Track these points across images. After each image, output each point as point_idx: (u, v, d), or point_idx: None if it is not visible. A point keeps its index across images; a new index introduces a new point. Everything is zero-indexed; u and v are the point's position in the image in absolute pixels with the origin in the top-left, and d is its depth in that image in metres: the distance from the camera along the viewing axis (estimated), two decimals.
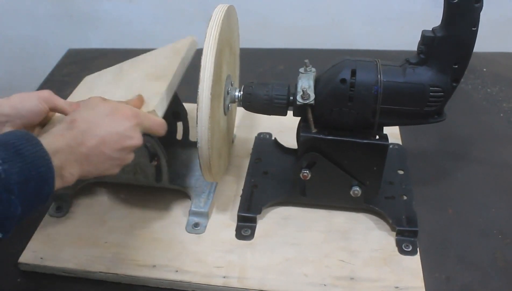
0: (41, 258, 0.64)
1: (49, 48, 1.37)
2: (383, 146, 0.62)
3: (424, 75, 0.59)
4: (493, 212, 0.71)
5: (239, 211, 0.69)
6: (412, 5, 1.21)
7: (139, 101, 0.62)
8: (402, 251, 0.64)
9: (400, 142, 0.82)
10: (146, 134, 0.58)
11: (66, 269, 0.63)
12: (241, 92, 0.65)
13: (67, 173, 0.50)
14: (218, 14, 0.59)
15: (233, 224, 0.69)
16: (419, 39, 0.60)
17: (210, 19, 0.59)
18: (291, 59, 1.09)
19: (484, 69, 1.05)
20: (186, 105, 0.78)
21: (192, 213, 0.69)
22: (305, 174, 0.65)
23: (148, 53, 0.79)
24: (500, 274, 0.62)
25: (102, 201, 0.73)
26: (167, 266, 0.63)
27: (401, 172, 0.75)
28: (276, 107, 0.64)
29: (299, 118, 0.65)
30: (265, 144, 0.81)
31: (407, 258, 0.63)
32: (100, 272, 0.63)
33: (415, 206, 0.69)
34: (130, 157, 0.57)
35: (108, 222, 0.70)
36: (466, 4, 0.55)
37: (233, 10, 0.67)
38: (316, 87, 0.61)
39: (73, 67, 1.13)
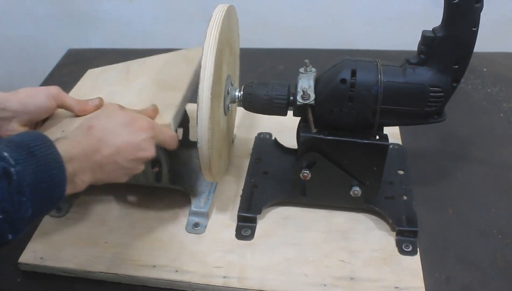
0: (41, 258, 0.64)
1: (49, 48, 1.37)
2: (383, 146, 0.62)
3: (424, 75, 0.59)
4: (493, 212, 0.71)
5: (239, 211, 0.69)
6: (412, 5, 1.21)
7: (154, 112, 0.62)
8: (402, 251, 0.64)
9: (400, 142, 0.82)
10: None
11: (66, 269, 0.63)
12: (241, 92, 0.65)
13: (79, 180, 0.50)
14: (218, 14, 0.59)
15: (233, 224, 0.69)
16: (419, 39, 0.60)
17: (210, 19, 0.59)
18: (291, 59, 1.09)
19: (484, 69, 1.05)
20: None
21: (192, 213, 0.69)
22: (305, 174, 0.65)
23: (156, 57, 0.79)
24: (500, 274, 0.62)
25: (102, 201, 0.73)
26: (167, 266, 0.63)
27: (401, 172, 0.75)
28: (276, 108, 0.64)
29: (299, 118, 0.65)
30: (265, 144, 0.81)
31: (407, 258, 0.63)
32: (100, 272, 0.63)
33: (415, 206, 0.69)
34: (141, 168, 0.58)
35: (108, 222, 0.70)
36: (467, 4, 0.55)
37: (233, 10, 0.67)
38: (316, 87, 0.61)
39: (73, 67, 1.13)
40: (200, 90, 0.56)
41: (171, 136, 0.60)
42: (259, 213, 0.69)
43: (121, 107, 0.58)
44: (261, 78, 1.05)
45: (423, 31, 0.59)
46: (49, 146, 0.45)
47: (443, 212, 0.71)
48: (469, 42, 0.57)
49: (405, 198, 0.70)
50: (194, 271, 0.62)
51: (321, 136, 0.62)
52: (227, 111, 0.67)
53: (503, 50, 1.11)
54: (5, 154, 0.41)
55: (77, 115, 0.66)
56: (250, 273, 0.62)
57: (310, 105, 0.61)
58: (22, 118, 0.61)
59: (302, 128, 0.63)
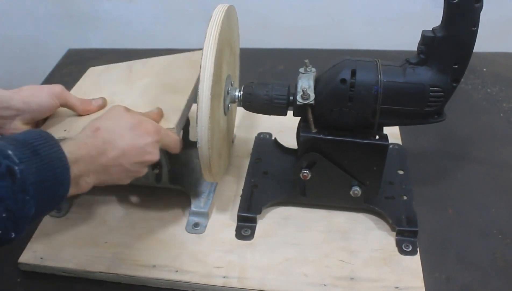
0: (41, 258, 0.64)
1: (49, 48, 1.37)
2: (383, 146, 0.62)
3: (424, 75, 0.59)
4: (493, 212, 0.71)
5: (239, 211, 0.69)
6: (412, 5, 1.21)
7: (159, 115, 0.62)
8: (402, 251, 0.64)
9: (400, 142, 0.82)
10: None
11: (66, 269, 0.63)
12: (241, 92, 0.65)
13: (83, 181, 0.50)
14: (218, 14, 0.59)
15: (233, 224, 0.69)
16: (419, 39, 0.60)
17: (210, 19, 0.59)
18: (291, 59, 1.09)
19: (484, 69, 1.05)
20: None
21: (192, 213, 0.69)
22: (305, 174, 0.65)
23: (159, 58, 0.79)
24: (500, 274, 0.62)
25: (102, 201, 0.73)
26: (167, 266, 0.63)
27: (401, 172, 0.75)
28: (276, 107, 0.64)
29: (299, 118, 0.65)
30: (265, 145, 0.81)
31: (407, 258, 0.63)
32: (100, 272, 0.63)
33: (415, 206, 0.69)
34: (145, 171, 0.58)
35: (108, 222, 0.70)
36: (466, 4, 0.55)
37: (233, 10, 0.67)
38: (316, 87, 0.61)
39: (73, 67, 1.13)
40: (200, 90, 0.56)
41: (175, 141, 0.61)
42: (259, 213, 0.69)
43: (127, 109, 0.58)
44: (261, 78, 1.05)
45: (423, 31, 0.59)
46: (53, 144, 0.45)
47: (443, 212, 0.71)
48: (469, 42, 0.57)
49: (405, 198, 0.70)
50: (194, 271, 0.62)
51: (321, 136, 0.62)
52: (227, 111, 0.67)
53: (503, 50, 1.11)
54: (9, 152, 0.41)
55: (80, 115, 0.66)
56: (250, 273, 0.62)
57: (310, 105, 0.61)
58: (25, 116, 0.61)
59: (302, 128, 0.63)
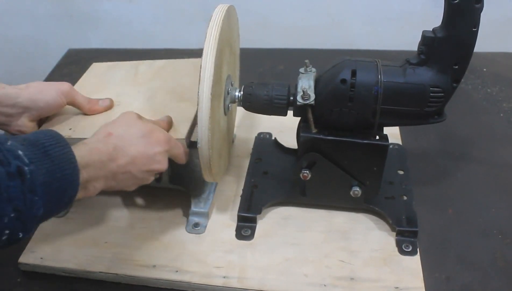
0: (41, 258, 0.64)
1: (49, 48, 1.37)
2: (383, 146, 0.62)
3: (425, 75, 0.59)
4: (493, 212, 0.71)
5: (239, 211, 0.69)
6: (412, 5, 1.21)
7: (169, 125, 0.63)
8: (402, 251, 0.64)
9: (400, 142, 0.82)
10: None
11: (66, 269, 0.63)
12: (241, 93, 0.65)
13: (91, 186, 0.51)
14: (218, 14, 0.59)
15: (233, 224, 0.69)
16: (419, 39, 0.60)
17: (210, 19, 0.59)
18: (291, 59, 1.09)
19: (484, 69, 1.05)
20: None
21: (192, 213, 0.69)
22: (305, 174, 0.65)
23: (166, 61, 0.79)
24: (500, 274, 0.62)
25: (102, 201, 0.73)
26: (167, 266, 0.63)
27: (401, 172, 0.75)
28: (276, 108, 0.64)
29: (299, 118, 0.65)
30: (265, 145, 0.81)
31: (407, 258, 0.63)
32: (100, 272, 0.63)
33: (415, 206, 0.69)
34: (152, 179, 0.58)
35: (108, 222, 0.70)
36: (467, 5, 0.55)
37: (233, 10, 0.67)
38: (316, 87, 0.61)
39: (73, 67, 1.13)
40: (200, 91, 0.56)
41: (184, 153, 0.61)
42: (259, 213, 0.69)
43: (140, 117, 0.59)
44: (261, 78, 1.05)
45: (423, 31, 0.59)
46: (63, 145, 0.45)
47: (443, 212, 0.71)
48: (469, 42, 0.57)
49: (405, 198, 0.70)
50: (194, 271, 0.62)
51: (321, 136, 0.62)
52: (227, 111, 0.67)
53: (503, 50, 1.11)
54: (20, 152, 0.41)
55: (85, 114, 0.66)
56: (250, 273, 0.62)
57: (310, 105, 0.61)
58: (32, 113, 0.61)
59: (302, 128, 0.63)
